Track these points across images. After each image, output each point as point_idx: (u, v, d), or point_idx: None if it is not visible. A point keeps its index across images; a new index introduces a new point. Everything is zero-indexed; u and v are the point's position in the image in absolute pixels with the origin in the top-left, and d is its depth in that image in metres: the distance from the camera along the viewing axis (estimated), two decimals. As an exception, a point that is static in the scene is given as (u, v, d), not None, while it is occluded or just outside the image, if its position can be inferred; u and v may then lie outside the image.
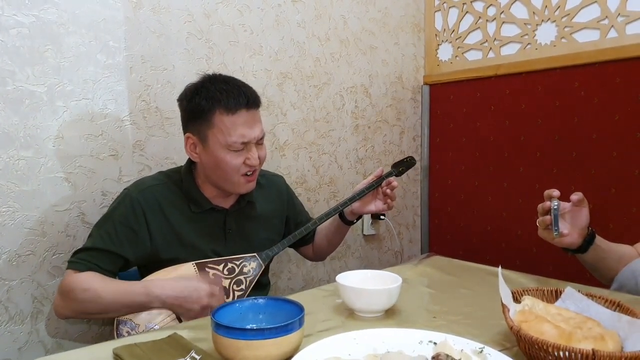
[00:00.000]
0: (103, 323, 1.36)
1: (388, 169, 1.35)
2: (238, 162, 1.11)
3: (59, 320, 1.28)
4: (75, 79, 1.29)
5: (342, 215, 1.34)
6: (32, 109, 1.23)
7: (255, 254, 1.19)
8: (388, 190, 1.28)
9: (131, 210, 1.12)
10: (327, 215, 1.28)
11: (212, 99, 1.09)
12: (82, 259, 1.09)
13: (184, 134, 1.17)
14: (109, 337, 1.35)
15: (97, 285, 1.05)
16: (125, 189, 1.18)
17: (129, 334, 1.03)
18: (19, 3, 1.19)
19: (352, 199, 1.28)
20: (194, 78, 1.48)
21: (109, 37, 1.34)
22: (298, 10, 1.77)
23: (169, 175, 1.21)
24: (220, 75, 1.17)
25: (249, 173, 1.14)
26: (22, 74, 1.21)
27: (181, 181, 1.19)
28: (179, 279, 1.08)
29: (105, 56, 1.34)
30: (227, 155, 1.10)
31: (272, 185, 1.35)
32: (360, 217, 1.36)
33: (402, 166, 1.35)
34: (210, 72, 1.51)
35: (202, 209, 1.18)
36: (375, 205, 1.30)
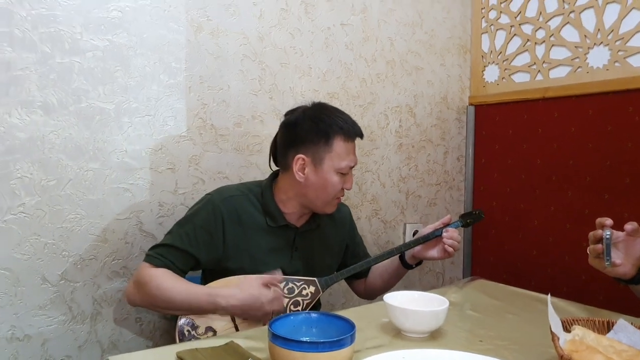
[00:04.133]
0: (154, 327, 1.43)
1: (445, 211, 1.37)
2: (340, 186, 1.21)
3: (115, 322, 1.37)
4: (140, 97, 1.38)
5: (402, 258, 1.34)
6: (101, 124, 1.33)
7: (315, 279, 1.23)
8: (450, 241, 1.26)
9: (212, 215, 1.19)
10: (389, 254, 1.29)
11: (336, 126, 1.19)
12: (159, 254, 1.16)
13: (293, 154, 1.21)
14: (160, 339, 1.43)
15: (168, 284, 1.11)
16: (207, 194, 1.25)
17: (189, 332, 1.09)
18: (95, 29, 1.30)
19: (416, 242, 1.28)
20: (247, 97, 1.58)
21: (172, 58, 1.44)
22: (346, 33, 1.82)
23: (250, 188, 1.27)
24: (328, 104, 1.27)
25: (341, 195, 1.24)
26: (95, 93, 1.31)
27: (261, 195, 1.25)
28: (241, 287, 1.12)
29: (167, 76, 1.43)
30: (334, 177, 1.19)
31: (339, 213, 1.37)
32: (420, 262, 1.36)
33: (470, 218, 1.35)
34: (262, 92, 1.61)
35: (277, 224, 1.23)
36: (438, 251, 1.29)
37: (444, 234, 1.26)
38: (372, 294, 1.46)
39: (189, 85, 1.47)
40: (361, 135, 1.24)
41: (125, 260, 1.37)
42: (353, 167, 1.22)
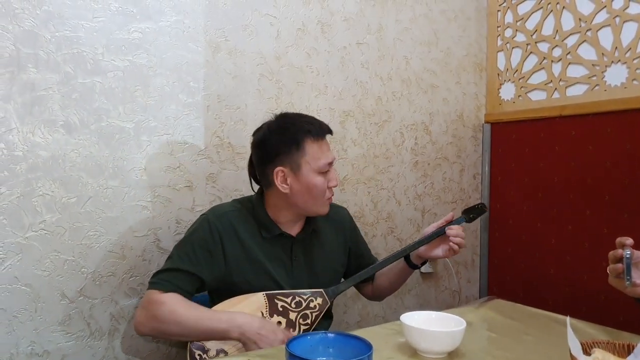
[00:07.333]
0: (171, 344, 1.43)
1: (456, 213, 1.36)
2: (324, 185, 1.23)
3: (132, 338, 1.38)
4: (159, 116, 1.41)
5: (407, 258, 1.35)
6: (121, 142, 1.35)
7: (322, 290, 1.23)
8: (456, 239, 1.26)
9: (209, 233, 1.20)
10: (394, 257, 1.30)
11: (303, 130, 1.22)
12: (165, 280, 1.16)
13: (271, 170, 1.23)
14: (176, 356, 1.43)
15: (181, 308, 1.12)
16: (202, 214, 1.27)
17: (200, 356, 1.09)
18: (117, 49, 1.33)
19: (420, 242, 1.29)
20: (264, 116, 1.59)
21: (190, 78, 1.47)
22: (362, 52, 1.84)
23: (242, 203, 1.29)
24: (290, 112, 1.31)
25: (330, 195, 1.25)
26: (115, 112, 1.34)
27: (253, 208, 1.27)
28: (260, 318, 1.14)
29: (185, 96, 1.46)
30: (317, 178, 1.21)
31: (336, 216, 1.39)
32: (425, 261, 1.37)
33: (473, 213, 1.34)
34: (278, 110, 1.62)
35: (272, 234, 1.24)
36: (442, 249, 1.29)
37: (449, 232, 1.26)
38: (380, 296, 1.48)
39: (206, 104, 1.50)
40: (330, 132, 1.26)
41: (143, 277, 1.39)
42: (331, 163, 1.24)
